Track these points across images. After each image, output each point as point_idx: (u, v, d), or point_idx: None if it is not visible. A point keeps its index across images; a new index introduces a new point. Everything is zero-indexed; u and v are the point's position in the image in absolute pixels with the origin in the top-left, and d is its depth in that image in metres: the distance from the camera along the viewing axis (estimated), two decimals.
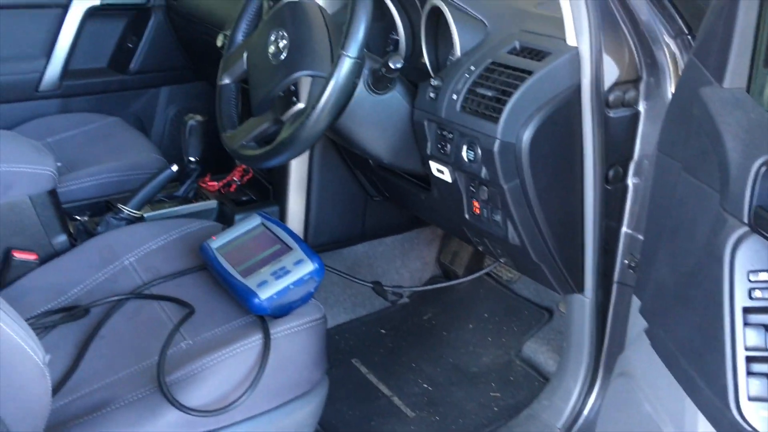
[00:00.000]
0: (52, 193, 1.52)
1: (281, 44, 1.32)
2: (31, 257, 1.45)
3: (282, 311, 1.26)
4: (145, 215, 1.68)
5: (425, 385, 1.77)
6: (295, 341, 1.24)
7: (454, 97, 1.28)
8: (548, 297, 1.96)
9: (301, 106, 1.25)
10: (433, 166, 1.38)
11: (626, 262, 1.37)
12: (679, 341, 0.97)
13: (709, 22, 0.96)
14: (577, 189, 1.30)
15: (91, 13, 2.24)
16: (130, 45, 2.38)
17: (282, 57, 1.30)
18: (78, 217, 1.66)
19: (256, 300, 1.23)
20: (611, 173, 1.30)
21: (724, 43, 0.92)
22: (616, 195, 1.33)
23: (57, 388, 1.16)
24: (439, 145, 1.33)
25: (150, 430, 1.11)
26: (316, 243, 1.86)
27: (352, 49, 1.17)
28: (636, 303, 1.14)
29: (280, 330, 1.23)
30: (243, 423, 1.19)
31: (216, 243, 1.37)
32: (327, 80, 1.18)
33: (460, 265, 2.09)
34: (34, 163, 1.49)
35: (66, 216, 1.59)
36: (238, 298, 1.28)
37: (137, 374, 1.19)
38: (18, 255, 1.44)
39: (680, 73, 1.22)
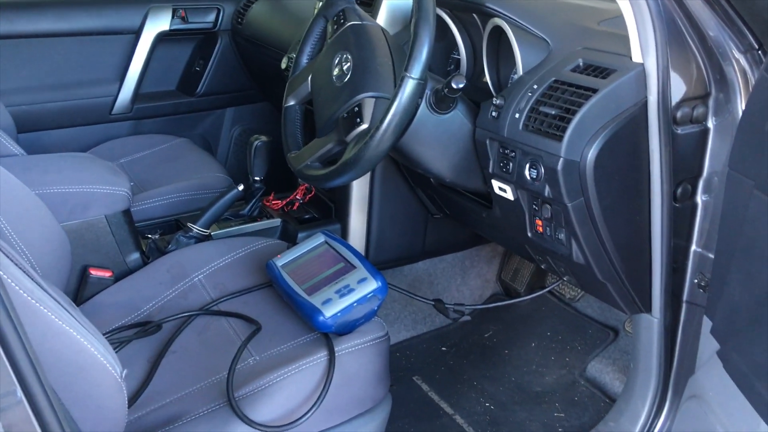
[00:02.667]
0: (127, 213, 1.58)
1: (345, 66, 1.34)
2: (106, 274, 1.52)
3: (346, 329, 1.28)
4: (212, 234, 1.73)
5: (487, 404, 1.75)
6: (359, 358, 1.26)
7: (517, 115, 1.28)
8: (613, 316, 1.92)
9: (364, 127, 1.27)
10: (495, 184, 1.38)
11: (696, 281, 1.33)
12: (753, 363, 0.94)
13: None
14: (644, 207, 1.28)
15: (161, 39, 2.34)
16: (198, 68, 2.47)
17: (346, 79, 1.33)
18: (150, 236, 1.72)
19: (321, 318, 1.25)
20: (680, 191, 1.28)
21: None
22: (684, 213, 1.30)
23: (131, 402, 1.21)
24: (502, 164, 1.33)
25: None
26: (377, 260, 1.87)
27: (416, 70, 1.18)
28: (707, 324, 1.11)
29: (344, 347, 1.25)
30: None
31: (281, 261, 1.40)
32: (390, 101, 1.20)
33: (522, 283, 2.07)
34: (110, 185, 1.56)
35: (138, 234, 1.65)
36: (303, 315, 1.30)
37: (207, 389, 1.22)
38: (94, 272, 1.51)
39: (750, 88, 1.19)
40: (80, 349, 0.93)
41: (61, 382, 0.91)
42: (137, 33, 2.31)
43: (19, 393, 0.74)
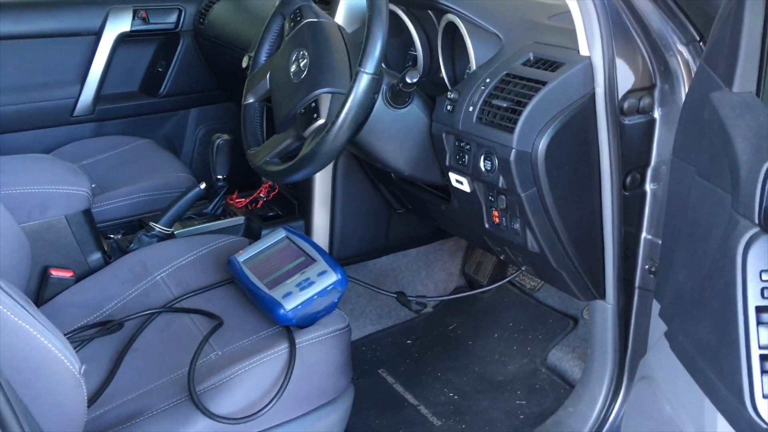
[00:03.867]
0: (87, 213, 1.58)
1: (302, 63, 1.36)
2: (67, 275, 1.51)
3: (307, 321, 1.30)
4: (175, 232, 1.73)
5: (451, 394, 1.78)
6: (320, 350, 1.28)
7: (471, 109, 1.31)
8: (573, 305, 1.97)
9: (321, 122, 1.29)
10: (453, 177, 1.41)
11: (647, 267, 1.38)
12: (696, 343, 0.98)
13: (718, 28, 0.98)
14: (595, 196, 1.32)
15: (122, 39, 2.33)
16: (160, 69, 2.46)
17: (303, 75, 1.35)
18: (112, 236, 1.72)
19: (282, 311, 1.27)
20: (629, 180, 1.32)
21: (732, 48, 0.94)
22: (634, 201, 1.34)
23: (93, 399, 1.21)
24: (458, 157, 1.36)
25: None
26: (341, 256, 1.89)
27: (370, 65, 1.21)
28: (656, 307, 1.15)
29: (305, 339, 1.26)
30: (271, 430, 1.22)
31: (242, 257, 1.41)
32: (346, 96, 1.22)
33: (484, 276, 2.11)
34: (70, 185, 1.55)
35: (100, 234, 1.65)
36: (265, 309, 1.31)
37: (169, 384, 1.23)
38: (55, 273, 1.50)
39: None
40: (37, 345, 0.93)
41: (18, 378, 0.92)
42: (98, 34, 2.29)
43: None
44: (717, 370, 0.92)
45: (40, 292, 1.50)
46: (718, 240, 0.91)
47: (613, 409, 1.49)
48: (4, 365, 0.87)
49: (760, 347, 0.84)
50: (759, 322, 0.84)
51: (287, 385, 1.20)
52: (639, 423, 1.16)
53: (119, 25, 2.32)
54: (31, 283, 1.48)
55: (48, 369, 0.96)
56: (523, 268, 1.56)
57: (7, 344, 0.92)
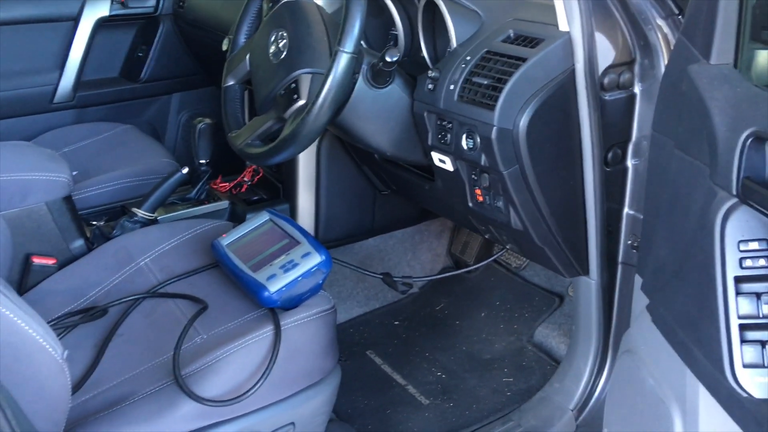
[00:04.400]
0: (68, 200, 1.57)
1: (281, 44, 1.35)
2: (49, 262, 1.50)
3: (292, 303, 1.30)
4: (158, 218, 1.72)
5: (439, 374, 1.79)
6: (305, 331, 1.28)
7: (452, 87, 1.31)
8: (558, 283, 1.98)
9: (301, 102, 1.28)
10: (435, 156, 1.41)
11: (629, 242, 1.38)
12: (676, 314, 0.99)
13: (695, 1, 0.98)
14: (577, 172, 1.32)
15: (101, 24, 2.30)
16: (140, 54, 2.44)
17: (282, 56, 1.34)
18: (94, 222, 1.71)
19: (266, 293, 1.27)
20: (610, 155, 1.32)
21: (709, 20, 0.94)
22: (616, 177, 1.35)
23: (78, 386, 1.21)
24: (440, 135, 1.36)
25: (167, 422, 1.14)
26: (327, 238, 1.89)
27: (348, 44, 1.20)
28: (638, 281, 1.15)
29: (290, 321, 1.26)
30: (258, 412, 1.23)
31: (226, 240, 1.41)
32: (325, 76, 1.21)
33: (471, 256, 2.12)
34: (49, 171, 1.54)
35: (83, 221, 1.64)
36: (249, 292, 1.31)
37: (154, 369, 1.23)
38: (37, 260, 1.49)
39: None
40: (17, 331, 0.92)
41: (1, 364, 0.91)
42: (76, 19, 2.27)
43: None
44: (697, 341, 0.93)
45: (23, 279, 1.48)
46: (697, 212, 0.92)
47: (598, 383, 1.50)
48: None
49: (739, 317, 0.84)
50: (738, 293, 0.85)
51: (273, 366, 1.21)
52: (623, 395, 1.18)
53: (97, 9, 2.29)
54: (13, 271, 1.47)
55: (30, 355, 0.95)
56: (507, 247, 1.56)
57: None
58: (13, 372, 0.94)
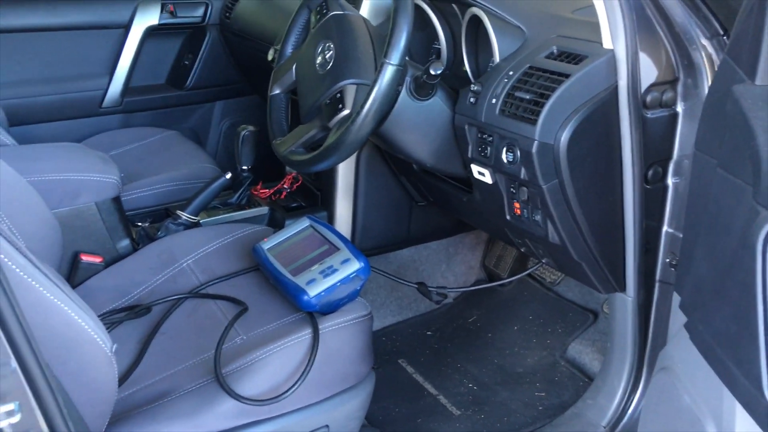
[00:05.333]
0: (116, 200, 1.62)
1: (328, 55, 1.39)
2: (97, 260, 1.55)
3: (330, 308, 1.32)
4: (201, 221, 1.77)
5: (470, 385, 1.80)
6: (342, 336, 1.30)
7: (494, 101, 1.33)
8: (593, 299, 1.98)
9: (346, 112, 1.31)
10: (475, 168, 1.43)
11: (668, 260, 1.38)
12: (715, 333, 0.99)
13: (741, 21, 0.98)
14: (617, 189, 1.33)
15: (150, 33, 2.37)
16: (187, 62, 2.50)
17: (328, 67, 1.37)
18: (140, 224, 1.76)
19: (305, 297, 1.29)
20: (650, 173, 1.32)
21: (755, 41, 0.94)
22: (656, 194, 1.35)
23: (122, 380, 1.25)
24: (480, 148, 1.37)
25: (207, 418, 1.17)
26: (363, 247, 1.91)
27: (394, 56, 1.22)
28: (677, 299, 1.15)
29: (328, 325, 1.29)
30: (294, 413, 1.25)
31: (267, 245, 1.44)
32: (371, 87, 1.24)
33: (505, 269, 2.12)
34: (100, 172, 1.59)
35: (129, 222, 1.69)
36: (289, 295, 1.34)
37: (195, 367, 1.26)
38: (85, 258, 1.54)
39: None
40: (71, 323, 0.96)
41: (53, 355, 0.95)
42: (126, 27, 2.34)
43: (13, 363, 0.78)
44: (736, 359, 0.93)
45: (71, 276, 1.54)
46: (738, 231, 0.92)
47: (632, 401, 1.49)
48: (40, 342, 0.90)
49: None
50: None
51: (310, 369, 1.23)
52: (658, 413, 1.17)
53: (147, 18, 2.36)
54: (62, 267, 1.52)
55: (81, 347, 0.99)
56: (543, 261, 1.57)
57: (43, 322, 0.95)
58: (64, 363, 0.98)
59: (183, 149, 2.20)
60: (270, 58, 1.89)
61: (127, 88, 2.39)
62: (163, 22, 2.38)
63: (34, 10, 2.20)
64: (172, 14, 2.40)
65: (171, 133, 2.31)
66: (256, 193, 1.97)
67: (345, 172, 1.85)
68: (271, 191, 1.97)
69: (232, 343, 1.30)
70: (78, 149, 1.73)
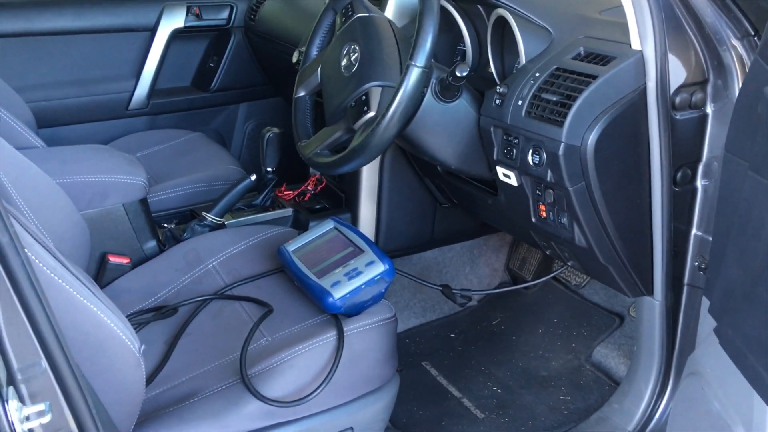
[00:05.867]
0: (144, 202, 1.64)
1: (353, 57, 1.39)
2: (124, 261, 1.57)
3: (355, 310, 1.32)
4: (226, 222, 1.78)
5: (495, 388, 1.79)
6: (367, 338, 1.30)
7: (520, 103, 1.32)
8: (618, 302, 1.95)
9: (371, 114, 1.31)
10: (500, 170, 1.42)
11: (696, 264, 1.36)
12: (746, 338, 0.97)
13: None
14: (645, 191, 1.31)
15: (175, 35, 2.39)
16: (212, 64, 2.52)
17: (354, 69, 1.37)
18: (166, 225, 1.77)
19: (330, 299, 1.30)
20: (679, 175, 1.31)
21: None
22: (684, 197, 1.33)
23: (149, 380, 1.26)
24: (505, 150, 1.37)
25: (233, 419, 1.18)
26: (387, 249, 1.91)
27: (420, 58, 1.22)
28: (705, 303, 1.14)
29: (353, 327, 1.29)
30: (318, 415, 1.25)
31: (292, 246, 1.45)
32: (396, 89, 1.24)
33: (529, 272, 2.11)
34: (127, 174, 1.61)
35: (155, 224, 1.71)
36: (314, 297, 1.34)
37: (221, 368, 1.27)
38: (113, 259, 1.56)
39: None
40: (100, 324, 0.97)
41: (82, 355, 0.96)
42: (152, 30, 2.37)
43: (44, 363, 0.79)
44: (767, 364, 0.91)
45: (98, 277, 1.56)
46: None
47: (659, 406, 1.48)
48: (70, 342, 0.92)
49: None
50: None
51: (335, 371, 1.23)
52: (686, 418, 1.16)
53: (173, 21, 2.38)
54: (90, 268, 1.54)
55: (110, 347, 1.00)
56: (569, 264, 1.56)
57: (73, 322, 0.96)
58: (93, 363, 0.99)
59: (208, 151, 2.22)
60: (294, 60, 1.89)
61: (153, 90, 2.42)
62: (188, 24, 2.40)
63: (62, 13, 2.23)
64: (198, 17, 2.42)
65: (196, 134, 2.33)
66: (280, 194, 1.97)
67: (369, 174, 1.85)
68: (296, 193, 1.98)
69: (258, 344, 1.30)
70: (105, 151, 1.75)
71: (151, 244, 1.64)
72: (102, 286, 1.53)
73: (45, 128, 2.19)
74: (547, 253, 1.59)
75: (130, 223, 1.60)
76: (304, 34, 1.94)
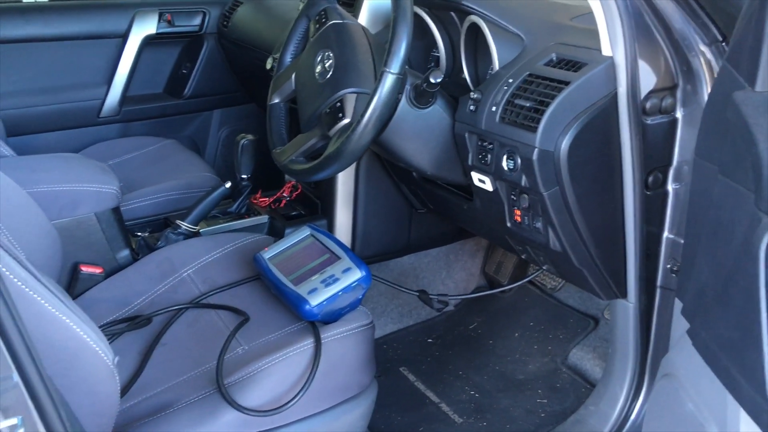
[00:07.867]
0: (116, 211, 1.61)
1: (327, 64, 1.39)
2: (97, 271, 1.55)
3: (332, 317, 1.32)
4: (201, 230, 1.76)
5: (472, 393, 1.80)
6: (344, 345, 1.30)
7: (494, 108, 1.33)
8: (593, 305, 1.98)
9: (346, 121, 1.31)
10: (475, 176, 1.43)
11: (669, 266, 1.38)
12: (719, 339, 0.99)
13: (740, 28, 0.99)
14: (617, 195, 1.33)
15: (147, 42, 2.37)
16: (185, 71, 2.50)
17: (328, 76, 1.37)
18: (139, 233, 1.75)
19: (307, 306, 1.29)
20: (651, 179, 1.33)
21: (755, 47, 0.94)
22: (656, 200, 1.35)
23: (124, 391, 1.24)
24: (480, 156, 1.38)
25: (209, 429, 1.17)
26: (363, 255, 1.91)
27: (394, 65, 1.23)
28: (678, 305, 1.15)
29: (330, 335, 1.29)
30: (296, 424, 1.25)
31: (268, 254, 1.44)
32: (371, 96, 1.24)
33: (505, 276, 2.12)
34: (99, 183, 1.59)
35: (128, 232, 1.68)
36: (290, 305, 1.34)
37: (197, 378, 1.26)
38: (85, 269, 1.54)
39: None
40: (73, 336, 0.96)
41: (55, 368, 0.95)
42: (124, 37, 2.35)
43: (16, 377, 0.77)
44: (740, 366, 0.92)
45: (71, 287, 1.53)
46: (740, 237, 0.92)
47: (634, 407, 1.49)
48: (42, 355, 0.90)
49: None
50: None
51: (313, 379, 1.23)
52: (661, 419, 1.17)
53: (145, 27, 2.36)
54: (62, 278, 1.51)
55: (83, 359, 0.99)
56: (544, 268, 1.57)
57: (45, 334, 0.95)
58: (66, 375, 0.98)
59: (181, 158, 2.20)
60: (268, 66, 1.89)
61: (125, 98, 2.39)
62: (160, 31, 2.38)
63: (31, 20, 2.20)
64: (170, 23, 2.40)
65: (169, 141, 2.31)
66: (255, 201, 1.97)
67: (345, 180, 1.85)
68: (271, 200, 1.97)
69: (234, 353, 1.29)
70: (77, 159, 1.73)
71: (125, 253, 1.62)
72: (74, 297, 1.51)
73: (14, 137, 2.16)
74: (523, 257, 1.61)
75: (102, 233, 1.58)
76: (278, 41, 1.94)
